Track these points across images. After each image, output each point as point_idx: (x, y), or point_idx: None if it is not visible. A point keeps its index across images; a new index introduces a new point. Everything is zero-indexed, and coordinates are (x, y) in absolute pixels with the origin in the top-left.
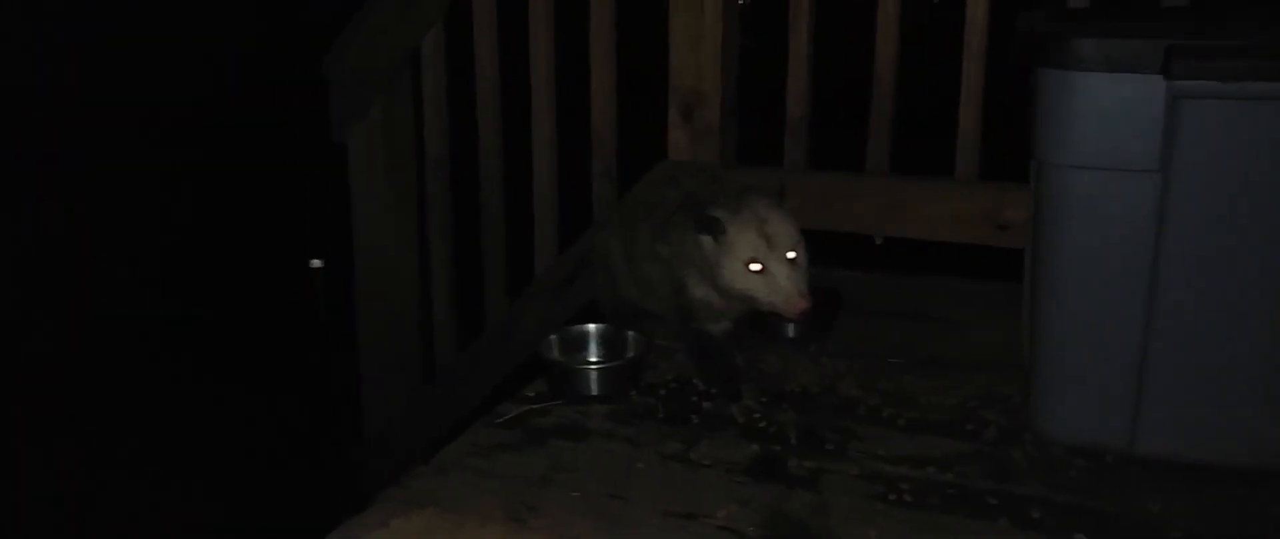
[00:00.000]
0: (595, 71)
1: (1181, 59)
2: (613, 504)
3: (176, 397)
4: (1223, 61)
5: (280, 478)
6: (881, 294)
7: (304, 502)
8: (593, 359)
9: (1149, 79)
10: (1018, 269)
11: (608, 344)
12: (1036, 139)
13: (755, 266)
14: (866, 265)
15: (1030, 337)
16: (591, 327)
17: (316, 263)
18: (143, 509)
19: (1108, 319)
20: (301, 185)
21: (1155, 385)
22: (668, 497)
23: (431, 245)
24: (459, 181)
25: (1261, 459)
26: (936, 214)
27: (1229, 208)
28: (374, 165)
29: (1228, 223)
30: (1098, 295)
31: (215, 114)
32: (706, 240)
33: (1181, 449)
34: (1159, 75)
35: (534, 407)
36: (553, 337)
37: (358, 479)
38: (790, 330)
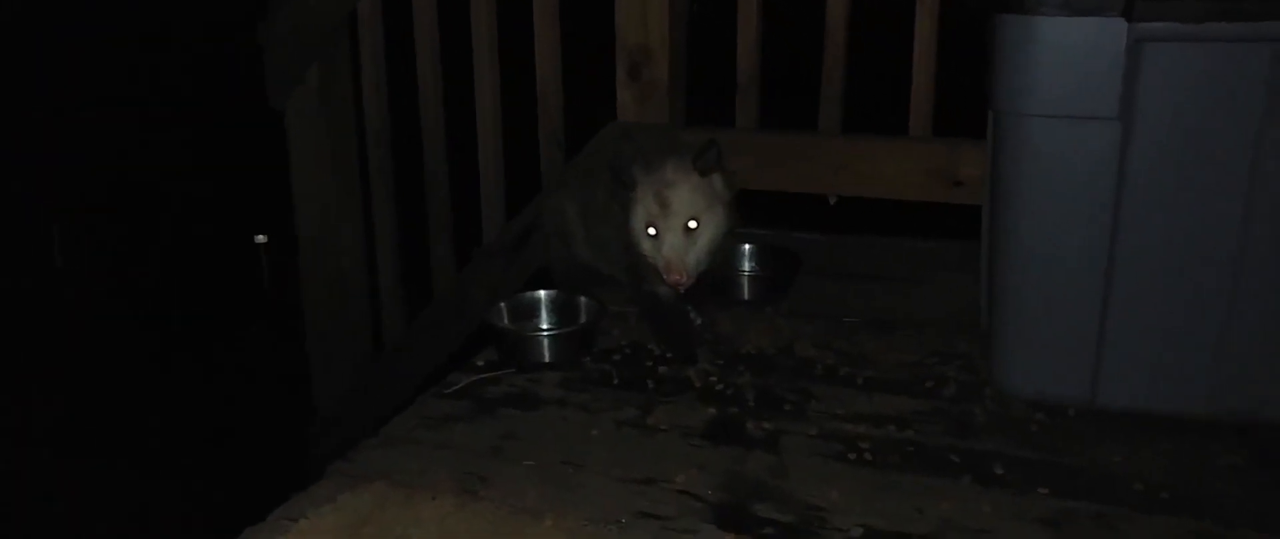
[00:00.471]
0: (539, 29)
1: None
2: (567, 472)
3: (119, 376)
4: (1186, 2)
5: (228, 457)
6: (837, 256)
7: (252, 479)
8: (544, 326)
9: (1110, 22)
10: (973, 229)
11: (559, 311)
12: (994, 88)
13: (651, 230)
14: (822, 228)
15: (988, 292)
16: (542, 293)
17: (261, 238)
18: (83, 486)
19: (1067, 271)
20: (244, 157)
21: (1115, 337)
22: (624, 463)
23: (375, 214)
24: (401, 147)
25: (1217, 409)
26: (890, 172)
27: (1189, 156)
28: (313, 132)
29: (1187, 171)
30: (1057, 248)
31: (150, 83)
32: (629, 196)
33: (1141, 401)
34: (1120, 18)
35: (484, 376)
36: (502, 304)
37: (307, 455)
38: (745, 292)
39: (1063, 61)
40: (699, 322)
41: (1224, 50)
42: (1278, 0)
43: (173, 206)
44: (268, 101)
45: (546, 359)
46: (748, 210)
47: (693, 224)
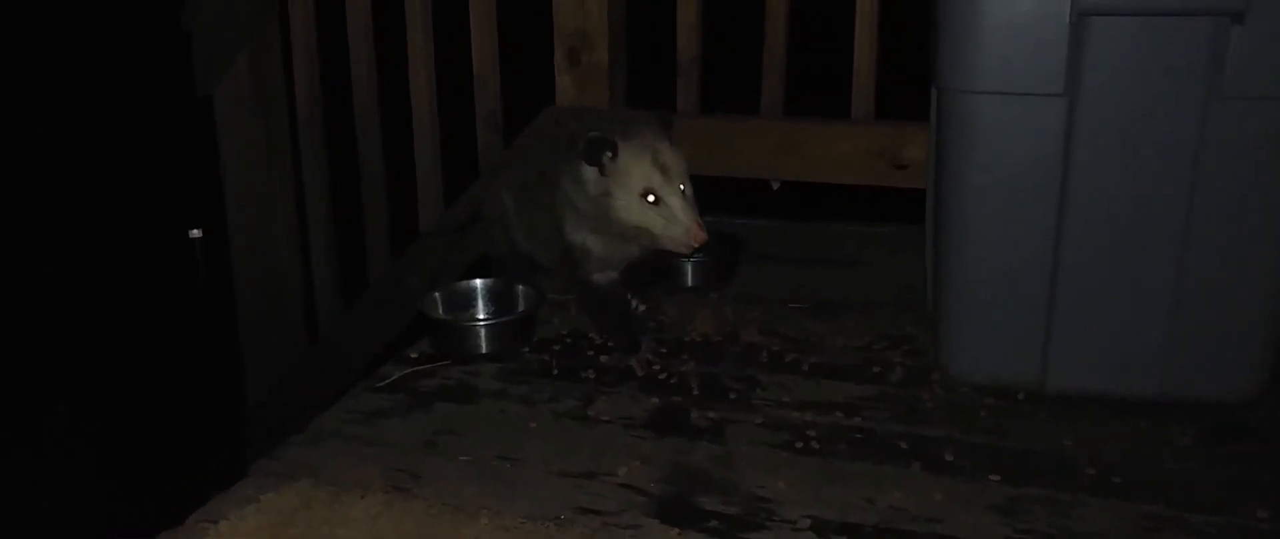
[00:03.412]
0: (474, 7)
1: None
2: (504, 467)
3: (44, 374)
4: None
5: (158, 456)
6: (782, 241)
7: (182, 478)
8: (481, 316)
9: None
10: (917, 212)
11: (497, 300)
12: (937, 64)
13: (651, 197)
14: (767, 213)
15: (934, 275)
16: (478, 282)
17: (196, 232)
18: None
19: (1014, 252)
20: (174, 145)
21: (1064, 319)
22: (564, 456)
23: (308, 201)
24: (335, 132)
25: (1166, 390)
26: (832, 154)
27: (1134, 132)
28: (243, 119)
29: (1133, 148)
30: (1004, 228)
31: (70, 71)
32: (591, 175)
33: (1091, 383)
34: None
35: (418, 368)
36: (436, 293)
37: (238, 451)
38: (689, 278)
39: (1007, 36)
40: (641, 309)
41: (1166, 24)
42: None
43: (99, 199)
44: (195, 88)
45: (484, 350)
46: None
47: (683, 187)
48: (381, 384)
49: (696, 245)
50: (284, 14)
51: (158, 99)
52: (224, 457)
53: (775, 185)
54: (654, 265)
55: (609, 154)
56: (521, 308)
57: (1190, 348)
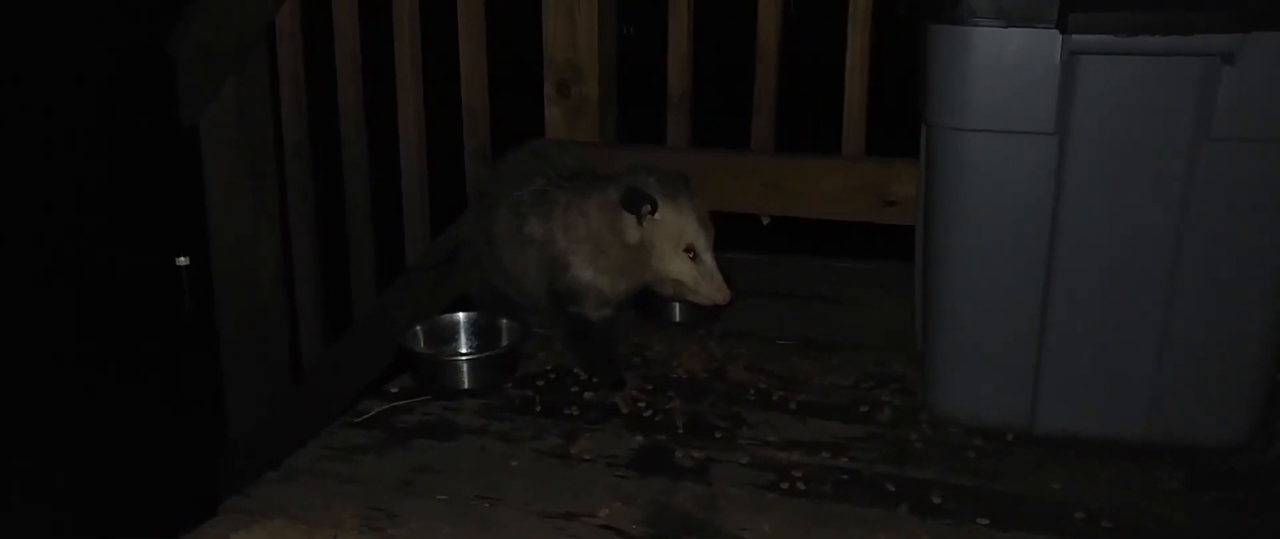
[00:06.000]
0: (464, 38)
1: (1077, 11)
2: (483, 507)
3: (27, 408)
4: (1119, 14)
5: (136, 489)
6: (770, 276)
7: (160, 514)
8: (463, 350)
9: (1044, 33)
10: (907, 249)
11: (480, 334)
12: (927, 101)
13: (690, 252)
14: (755, 248)
15: (923, 314)
16: (461, 316)
17: (183, 260)
18: None
19: (1004, 292)
20: (158, 175)
21: (1053, 360)
22: (544, 496)
23: (293, 234)
24: (322, 163)
25: (1155, 432)
26: (822, 191)
27: (1124, 171)
28: (228, 149)
29: (1123, 187)
30: (993, 267)
31: (55, 96)
32: (629, 223)
33: (1080, 425)
34: (1054, 29)
35: (397, 404)
36: (418, 327)
37: (219, 487)
38: (677, 314)
39: (997, 74)
40: (627, 345)
41: (1156, 63)
42: (1207, 12)
43: (83, 229)
44: (180, 117)
45: (465, 385)
46: None
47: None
48: (359, 420)
49: (723, 303)
50: (272, 42)
51: (142, 128)
52: (200, 493)
53: (765, 220)
54: (637, 303)
55: (648, 207)
56: (505, 342)
57: (1179, 391)
